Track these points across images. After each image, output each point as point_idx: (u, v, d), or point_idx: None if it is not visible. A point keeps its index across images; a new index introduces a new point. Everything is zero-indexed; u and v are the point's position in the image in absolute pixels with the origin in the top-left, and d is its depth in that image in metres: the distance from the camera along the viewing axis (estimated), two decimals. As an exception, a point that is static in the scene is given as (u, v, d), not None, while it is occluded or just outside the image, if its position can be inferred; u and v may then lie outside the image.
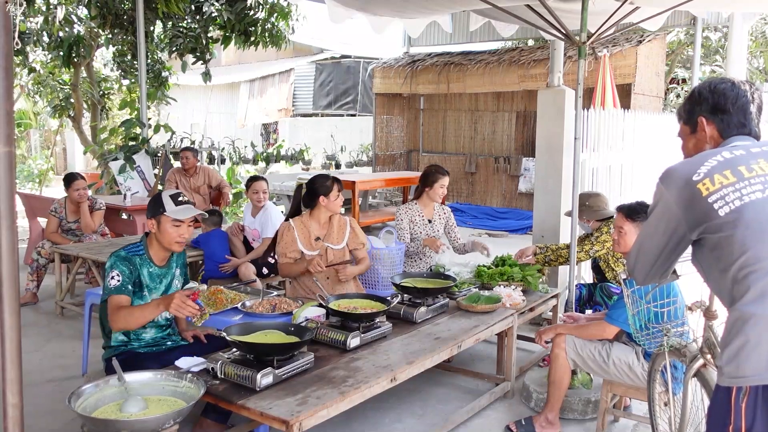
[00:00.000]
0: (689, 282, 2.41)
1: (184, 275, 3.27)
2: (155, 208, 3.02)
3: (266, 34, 9.91)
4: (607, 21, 4.24)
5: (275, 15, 9.90)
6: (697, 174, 1.76)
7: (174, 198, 3.04)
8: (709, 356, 2.24)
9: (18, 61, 10.15)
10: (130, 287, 2.92)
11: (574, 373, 3.66)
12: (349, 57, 17.82)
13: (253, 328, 2.85)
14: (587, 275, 5.35)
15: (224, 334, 2.72)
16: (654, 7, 4.75)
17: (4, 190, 1.64)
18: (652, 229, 1.88)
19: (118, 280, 2.89)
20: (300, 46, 16.81)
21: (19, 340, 1.70)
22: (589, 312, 4.19)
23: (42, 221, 6.79)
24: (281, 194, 11.50)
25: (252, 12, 9.69)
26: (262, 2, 9.74)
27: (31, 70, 11.12)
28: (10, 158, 1.63)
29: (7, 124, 1.63)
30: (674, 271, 2.15)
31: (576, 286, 4.24)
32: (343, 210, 4.22)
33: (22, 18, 8.96)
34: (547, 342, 3.54)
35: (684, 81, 14.64)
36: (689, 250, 1.86)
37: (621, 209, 3.47)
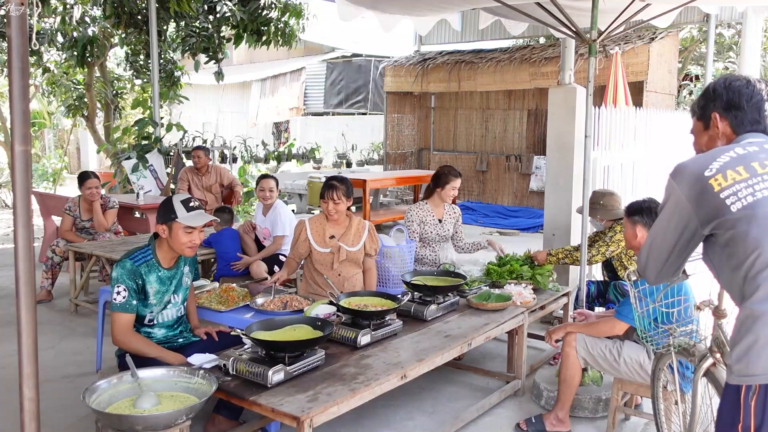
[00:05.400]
0: (697, 281, 2.40)
1: (193, 272, 3.30)
2: (166, 214, 2.95)
3: (279, 34, 9.92)
4: (617, 18, 4.22)
5: (287, 14, 9.91)
6: (709, 169, 1.76)
7: (185, 204, 2.97)
8: (718, 355, 2.22)
9: (32, 62, 10.26)
10: (134, 303, 2.92)
11: (584, 371, 3.65)
12: (360, 56, 17.84)
13: (279, 324, 2.86)
14: (597, 272, 5.34)
15: (239, 331, 2.76)
16: (664, 4, 4.72)
17: (21, 188, 1.67)
18: (664, 225, 1.87)
19: (124, 297, 2.89)
20: (311, 45, 16.87)
21: (35, 336, 1.72)
22: (600, 309, 4.18)
23: (56, 220, 6.86)
24: (292, 193, 11.54)
25: (265, 12, 9.71)
26: (275, 1, 9.76)
27: (46, 70, 11.22)
28: (27, 157, 1.66)
29: (24, 124, 1.66)
30: (684, 271, 2.13)
31: (586, 283, 4.23)
32: (354, 209, 4.23)
33: (37, 19, 9.04)
34: (557, 341, 3.54)
35: (697, 78, 14.53)
36: (699, 248, 1.85)
37: (631, 211, 3.33)
